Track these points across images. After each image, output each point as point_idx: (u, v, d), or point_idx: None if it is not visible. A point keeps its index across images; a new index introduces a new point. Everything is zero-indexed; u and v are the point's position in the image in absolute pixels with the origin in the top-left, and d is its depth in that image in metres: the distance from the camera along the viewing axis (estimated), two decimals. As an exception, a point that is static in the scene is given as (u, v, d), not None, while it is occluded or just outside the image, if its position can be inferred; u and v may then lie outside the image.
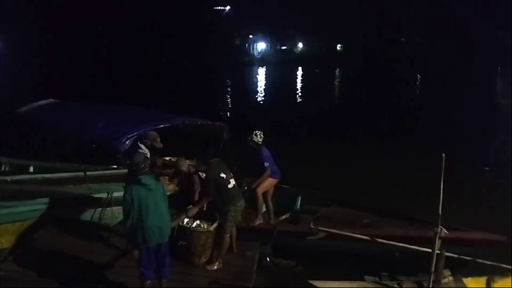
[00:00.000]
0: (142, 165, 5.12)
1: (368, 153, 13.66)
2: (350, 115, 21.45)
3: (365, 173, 11.78)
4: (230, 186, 6.43)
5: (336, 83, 46.84)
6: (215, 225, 6.44)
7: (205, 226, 6.46)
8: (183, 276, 6.09)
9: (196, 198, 7.05)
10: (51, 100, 10.74)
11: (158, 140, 7.15)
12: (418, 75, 46.49)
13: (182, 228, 6.32)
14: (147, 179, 5.11)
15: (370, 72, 45.18)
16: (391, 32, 73.41)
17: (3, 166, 10.25)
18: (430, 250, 4.85)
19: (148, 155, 6.86)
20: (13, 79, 38.26)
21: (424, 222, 6.73)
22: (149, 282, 5.27)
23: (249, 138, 7.49)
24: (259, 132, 7.54)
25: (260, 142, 7.50)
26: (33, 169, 9.91)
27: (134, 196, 5.01)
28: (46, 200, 7.35)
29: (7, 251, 6.51)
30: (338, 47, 79.40)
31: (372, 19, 70.28)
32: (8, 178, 9.00)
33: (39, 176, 9.21)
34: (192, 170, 7.35)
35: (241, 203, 6.53)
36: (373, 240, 6.12)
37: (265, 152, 7.48)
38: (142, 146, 7.03)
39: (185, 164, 7.36)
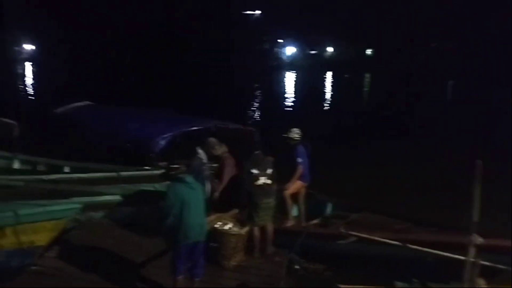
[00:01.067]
0: (179, 166, 5.28)
1: (401, 160, 13.47)
2: (381, 121, 21.18)
3: (397, 180, 11.61)
4: (258, 183, 6.51)
5: (366, 88, 46.34)
6: (246, 229, 6.50)
7: (236, 230, 6.52)
8: (211, 277, 6.13)
9: (225, 181, 7.18)
10: (87, 102, 11.06)
11: (216, 147, 7.30)
12: (450, 81, 45.53)
13: (213, 230, 6.39)
14: (189, 178, 5.30)
15: (400, 77, 44.54)
16: (422, 37, 72.18)
17: (40, 166, 10.61)
18: (464, 258, 4.74)
19: (205, 160, 7.13)
20: (46, 82, 39.55)
21: (459, 229, 6.59)
22: (181, 277, 5.37)
23: (286, 134, 7.56)
24: (297, 129, 7.60)
25: (296, 139, 7.53)
26: (68, 169, 10.21)
27: (178, 194, 5.16)
28: (81, 199, 7.56)
29: (43, 248, 6.73)
30: (368, 51, 78.60)
31: (403, 23, 69.19)
32: (44, 178, 9.32)
33: (74, 176, 9.49)
34: (225, 154, 7.43)
35: (267, 202, 6.59)
36: (404, 246, 6.02)
37: (301, 149, 7.51)
38: (200, 151, 7.22)
39: (221, 149, 7.43)
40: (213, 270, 6.28)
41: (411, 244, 6.01)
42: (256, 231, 6.68)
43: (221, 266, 6.36)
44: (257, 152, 6.75)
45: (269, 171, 6.64)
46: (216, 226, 6.50)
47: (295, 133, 7.58)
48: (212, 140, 7.36)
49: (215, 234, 6.36)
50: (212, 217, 6.59)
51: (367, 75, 55.55)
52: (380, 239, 6.28)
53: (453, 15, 68.33)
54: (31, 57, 73.39)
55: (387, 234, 6.49)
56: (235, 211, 6.96)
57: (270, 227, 6.79)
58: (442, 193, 10.28)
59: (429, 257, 6.02)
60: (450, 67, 51.81)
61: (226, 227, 6.55)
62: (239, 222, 6.70)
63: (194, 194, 5.26)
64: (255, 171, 6.53)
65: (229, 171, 7.24)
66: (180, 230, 5.15)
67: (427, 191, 10.66)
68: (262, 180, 6.56)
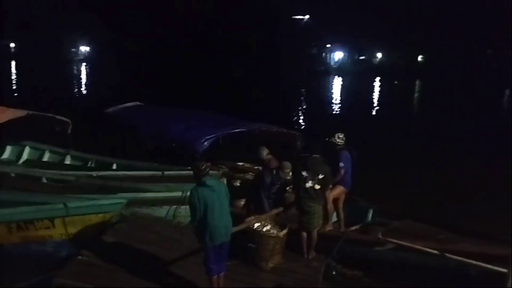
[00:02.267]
0: (203, 167, 5.38)
1: (447, 168, 13.08)
2: (429, 129, 20.59)
3: (442, 188, 11.30)
4: (305, 186, 6.55)
5: (416, 95, 45.14)
6: (284, 231, 6.53)
7: (275, 232, 6.56)
8: (249, 278, 6.25)
9: None
10: (137, 103, 11.43)
11: (260, 151, 7.71)
12: (507, 90, 43.64)
13: (252, 231, 6.47)
14: (210, 181, 5.38)
15: (453, 85, 43.11)
16: (477, 43, 69.42)
17: (90, 162, 11.08)
18: (506, 271, 4.58)
19: None
20: (99, 82, 41.09)
21: (504, 240, 6.34)
22: (216, 277, 5.52)
23: (330, 139, 7.61)
24: (341, 134, 7.62)
25: (339, 144, 7.55)
26: (116, 166, 10.60)
27: (200, 197, 5.25)
28: (126, 195, 7.83)
29: (89, 239, 7.03)
30: (419, 58, 76.49)
31: (457, 29, 66.85)
32: (94, 174, 9.72)
33: (121, 173, 9.84)
34: (269, 158, 7.57)
35: (311, 206, 6.63)
36: (443, 255, 5.86)
37: (344, 154, 7.50)
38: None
39: (264, 152, 7.64)
40: (250, 270, 6.39)
41: (452, 254, 5.84)
42: (304, 235, 6.75)
43: (258, 267, 6.43)
44: (315, 155, 6.75)
45: (321, 176, 6.63)
46: (255, 227, 6.57)
47: (339, 138, 7.58)
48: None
49: (254, 235, 6.44)
50: (252, 218, 6.68)
51: (418, 82, 54.13)
52: (419, 247, 6.13)
53: (510, 21, 65.32)
54: (86, 58, 76.57)
55: (428, 243, 6.34)
56: (278, 209, 7.02)
57: (314, 233, 6.82)
58: (490, 202, 9.90)
59: (472, 269, 5.83)
60: (506, 75, 49.58)
61: (265, 228, 6.61)
62: (279, 224, 6.74)
63: (216, 196, 5.33)
64: (304, 173, 6.57)
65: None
66: (206, 232, 5.28)
67: (475, 200, 10.29)
68: (310, 183, 6.58)
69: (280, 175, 7.23)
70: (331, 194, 7.43)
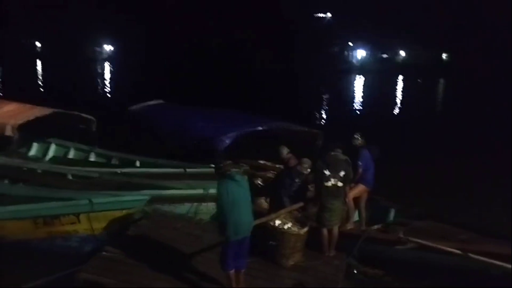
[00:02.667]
0: (228, 163, 5.53)
1: (470, 169, 12.85)
2: (452, 129, 20.25)
3: (465, 190, 11.13)
4: (327, 184, 6.58)
5: (440, 94, 44.46)
6: (305, 229, 6.54)
7: (296, 230, 6.58)
8: (268, 275, 6.28)
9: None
10: (160, 101, 11.58)
11: (280, 150, 7.83)
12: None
13: (273, 228, 6.49)
14: (238, 176, 5.46)
15: (477, 84, 42.28)
16: (504, 43, 67.77)
17: (113, 160, 11.27)
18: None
19: None
20: (122, 80, 41.67)
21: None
22: (232, 271, 5.56)
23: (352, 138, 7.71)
24: (358, 133, 7.73)
25: (357, 144, 7.61)
26: (139, 163, 10.75)
27: (229, 190, 5.31)
28: (149, 192, 7.94)
29: (113, 235, 7.17)
30: (444, 56, 75.22)
31: (482, 27, 65.42)
32: (117, 171, 9.89)
33: (144, 170, 9.99)
34: (289, 156, 7.68)
35: (333, 203, 6.66)
36: (466, 255, 5.78)
37: (363, 152, 7.55)
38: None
39: (284, 151, 7.72)
40: (270, 268, 6.41)
41: (475, 255, 5.75)
42: (325, 232, 6.76)
43: (278, 264, 6.45)
44: (333, 153, 6.78)
45: (342, 173, 6.66)
46: (276, 224, 6.59)
47: (358, 137, 7.59)
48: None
49: (275, 233, 6.46)
50: (273, 214, 6.70)
51: (442, 81, 53.28)
52: (441, 247, 6.06)
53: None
54: (109, 57, 77.73)
55: (450, 244, 6.27)
56: (298, 204, 7.05)
57: (335, 230, 6.83)
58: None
59: (494, 270, 5.74)
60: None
61: (286, 226, 6.62)
62: (299, 222, 6.76)
63: (242, 191, 5.42)
64: (326, 172, 6.58)
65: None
66: (231, 226, 5.30)
67: (498, 201, 10.11)
68: (332, 181, 6.60)
69: (300, 172, 7.22)
70: (352, 193, 7.42)
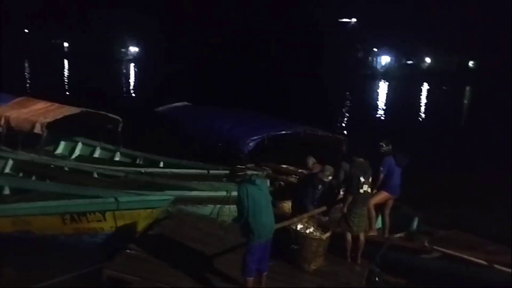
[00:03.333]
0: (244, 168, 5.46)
1: (496, 178, 12.57)
2: (479, 138, 19.86)
3: (492, 200, 10.88)
4: (361, 190, 6.60)
5: (466, 102, 43.69)
6: (328, 234, 6.53)
7: (318, 234, 6.58)
8: (290, 278, 6.29)
9: None
10: (185, 103, 11.73)
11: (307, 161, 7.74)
12: None
13: (295, 233, 6.50)
14: (258, 179, 5.47)
15: (504, 92, 41.37)
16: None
17: (138, 160, 11.45)
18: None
19: None
20: (146, 82, 42.19)
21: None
22: (252, 278, 5.54)
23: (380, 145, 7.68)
24: (384, 141, 7.68)
25: (384, 150, 7.58)
26: (163, 164, 10.88)
27: (249, 194, 5.32)
28: (173, 192, 8.04)
29: (138, 234, 7.29)
30: (470, 63, 73.92)
31: (510, 34, 64.01)
32: (142, 170, 10.06)
33: (168, 170, 10.12)
34: (315, 164, 7.63)
35: (364, 209, 6.73)
36: (491, 266, 5.67)
37: (386, 159, 7.49)
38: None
39: (309, 161, 7.68)
40: (292, 271, 6.42)
41: (502, 266, 5.63)
42: (349, 237, 6.76)
43: (300, 268, 6.45)
44: (362, 160, 6.77)
45: (370, 179, 6.74)
46: (298, 228, 6.60)
47: (383, 144, 7.55)
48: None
49: (297, 237, 6.46)
50: (295, 218, 6.70)
51: (468, 89, 52.36)
52: (467, 257, 5.96)
53: None
54: (134, 59, 78.87)
55: (476, 254, 6.15)
56: (321, 209, 7.07)
57: (362, 236, 6.82)
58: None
59: None
60: None
61: (308, 230, 6.63)
62: (321, 226, 6.76)
63: (262, 194, 5.42)
64: (362, 178, 6.60)
65: None
66: (254, 230, 5.32)
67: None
68: (365, 187, 6.63)
69: (322, 180, 7.17)
70: (374, 199, 7.37)
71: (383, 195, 7.49)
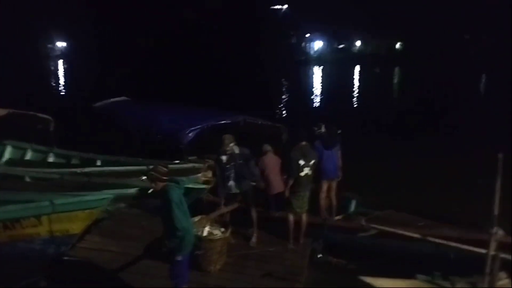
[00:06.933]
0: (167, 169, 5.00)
1: (426, 158, 13.23)
2: (410, 117, 20.81)
3: (422, 179, 11.40)
4: (301, 174, 6.75)
5: (395, 82, 45.65)
6: (229, 230, 6.43)
7: (220, 233, 6.36)
8: (235, 267, 6.38)
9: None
10: (124, 97, 11.44)
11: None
12: (483, 75, 44.33)
13: (198, 239, 5.96)
14: (181, 180, 5.09)
15: (431, 71, 43.66)
16: (455, 29, 70.14)
17: (74, 160, 11.03)
18: (485, 251, 4.77)
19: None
20: (76, 78, 40.59)
21: (481, 226, 6.52)
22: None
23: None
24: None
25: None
26: (101, 162, 10.57)
27: (182, 200, 4.89)
28: (112, 191, 7.84)
29: (76, 238, 7.05)
30: (398, 45, 77.16)
31: (434, 16, 67.48)
32: (78, 171, 9.69)
33: (106, 169, 9.83)
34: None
35: (304, 193, 6.91)
36: (425, 239, 6.02)
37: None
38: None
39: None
40: (237, 260, 6.50)
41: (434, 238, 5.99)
42: (291, 218, 6.94)
43: (207, 271, 6.22)
44: (303, 143, 6.87)
45: (312, 162, 6.86)
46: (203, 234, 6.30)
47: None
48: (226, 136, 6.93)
49: (201, 242, 6.06)
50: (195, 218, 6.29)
51: (397, 69, 54.69)
52: (401, 231, 6.29)
53: (487, 5, 66.13)
54: (63, 54, 75.41)
55: (409, 230, 6.44)
56: (233, 206, 6.95)
57: (305, 217, 7.03)
58: (469, 190, 10.09)
59: (451, 253, 6.03)
60: (484, 60, 50.28)
61: (206, 232, 6.33)
62: (217, 223, 6.59)
63: (184, 199, 4.97)
64: (301, 161, 6.73)
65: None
66: (187, 237, 4.91)
67: (454, 189, 10.45)
68: (306, 171, 6.78)
69: (224, 151, 6.76)
70: (319, 187, 7.58)
71: (321, 182, 7.62)
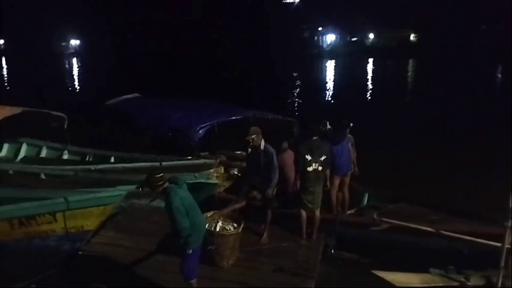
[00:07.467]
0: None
1: (439, 150, 13.08)
2: (423, 110, 20.54)
3: (436, 171, 11.30)
4: (309, 169, 6.73)
5: (409, 75, 45.13)
6: (242, 225, 6.40)
7: (233, 229, 6.38)
8: (248, 263, 6.40)
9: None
10: (136, 94, 11.51)
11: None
12: (500, 66, 43.59)
13: (211, 234, 6.09)
14: (179, 180, 5.26)
15: (446, 62, 43.04)
16: (471, 20, 68.89)
17: (88, 157, 11.15)
18: (499, 245, 4.71)
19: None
20: (90, 75, 40.92)
21: (496, 220, 6.42)
22: (195, 280, 5.40)
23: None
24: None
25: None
26: (114, 159, 10.67)
27: (183, 200, 5.07)
28: (125, 187, 7.91)
29: (91, 234, 7.15)
30: (412, 37, 76.15)
31: (449, 6, 66.36)
32: (92, 167, 9.80)
33: (119, 165, 9.91)
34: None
35: (314, 189, 6.86)
36: (438, 233, 5.96)
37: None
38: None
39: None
40: (249, 255, 6.52)
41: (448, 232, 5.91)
42: (303, 214, 6.93)
43: (219, 266, 6.27)
44: (315, 138, 6.86)
45: (323, 157, 6.80)
46: (216, 229, 6.33)
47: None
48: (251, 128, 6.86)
49: (213, 237, 6.13)
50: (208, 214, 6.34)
51: (412, 62, 54.04)
52: (414, 225, 6.24)
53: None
54: (76, 52, 76.01)
55: (422, 224, 6.39)
56: (240, 204, 6.88)
57: (317, 213, 7.00)
58: (483, 184, 9.93)
59: (465, 248, 5.96)
60: (501, 51, 49.34)
61: (218, 227, 6.36)
62: (230, 218, 6.57)
63: (188, 195, 5.21)
64: (308, 157, 6.70)
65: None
66: (194, 233, 5.11)
67: (468, 182, 10.31)
68: (314, 166, 6.75)
69: (263, 149, 6.67)
70: (330, 183, 7.53)
71: (333, 177, 7.51)
